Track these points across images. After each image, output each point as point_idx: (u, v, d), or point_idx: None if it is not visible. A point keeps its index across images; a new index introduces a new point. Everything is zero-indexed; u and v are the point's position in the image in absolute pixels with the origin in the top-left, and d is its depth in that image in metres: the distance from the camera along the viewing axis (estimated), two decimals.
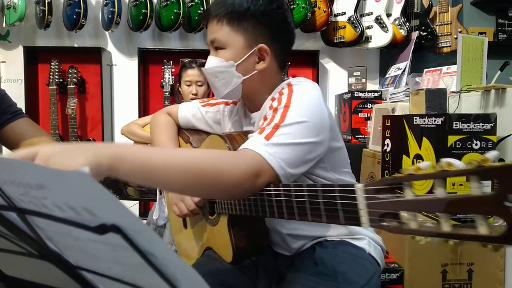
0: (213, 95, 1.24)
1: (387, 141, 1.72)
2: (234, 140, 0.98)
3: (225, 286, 0.99)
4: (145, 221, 2.11)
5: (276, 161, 0.82)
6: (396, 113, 2.02)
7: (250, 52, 0.97)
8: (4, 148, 1.21)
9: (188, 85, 2.38)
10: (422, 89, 1.73)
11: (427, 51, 3.01)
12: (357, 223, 0.64)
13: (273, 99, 0.95)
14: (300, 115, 0.87)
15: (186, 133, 1.22)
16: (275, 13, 0.97)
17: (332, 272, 0.95)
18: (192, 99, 2.36)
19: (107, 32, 3.08)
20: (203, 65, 2.82)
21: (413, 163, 1.57)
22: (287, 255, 1.07)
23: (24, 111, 1.24)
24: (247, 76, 0.98)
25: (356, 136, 2.44)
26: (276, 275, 1.06)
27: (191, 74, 2.39)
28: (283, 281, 1.02)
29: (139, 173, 0.72)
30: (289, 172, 0.84)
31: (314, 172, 0.96)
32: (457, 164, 0.51)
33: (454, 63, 2.08)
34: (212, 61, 0.99)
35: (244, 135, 1.00)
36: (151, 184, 0.84)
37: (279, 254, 1.09)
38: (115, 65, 3.14)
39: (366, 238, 1.06)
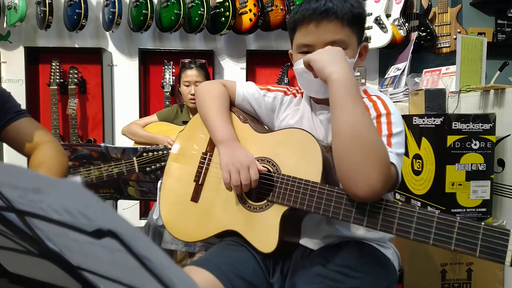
0: None
1: None
2: (320, 140, 1.03)
3: (241, 279, 0.98)
4: (145, 221, 2.11)
5: (399, 169, 0.88)
6: None
7: (358, 51, 1.05)
8: (7, 147, 1.21)
9: (187, 86, 2.39)
10: (422, 89, 1.73)
11: (427, 52, 3.01)
12: (497, 260, 0.73)
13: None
14: (400, 123, 0.95)
15: (242, 113, 1.18)
16: (366, 17, 1.07)
17: (355, 270, 0.95)
18: (191, 99, 2.36)
19: (107, 33, 3.09)
20: (202, 65, 2.81)
21: (412, 163, 1.58)
22: (310, 248, 1.06)
23: None
24: (354, 72, 1.05)
25: None
26: (292, 267, 1.05)
27: (189, 74, 2.39)
28: (301, 272, 1.01)
29: (337, 98, 0.89)
30: (399, 178, 0.90)
31: None
32: None
33: (453, 64, 2.08)
34: None
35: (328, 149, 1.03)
36: (334, 110, 0.91)
37: (301, 246, 1.07)
38: (116, 65, 3.15)
39: (392, 249, 1.08)
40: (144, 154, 1.68)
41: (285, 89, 1.19)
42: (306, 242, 1.07)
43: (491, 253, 0.74)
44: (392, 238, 1.10)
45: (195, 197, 1.15)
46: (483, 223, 0.76)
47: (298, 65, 1.02)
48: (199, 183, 1.15)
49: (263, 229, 1.01)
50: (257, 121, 1.21)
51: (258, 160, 1.06)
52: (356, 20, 1.00)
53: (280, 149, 1.05)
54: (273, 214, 1.00)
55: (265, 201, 1.02)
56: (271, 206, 1.01)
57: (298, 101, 1.16)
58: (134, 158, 1.68)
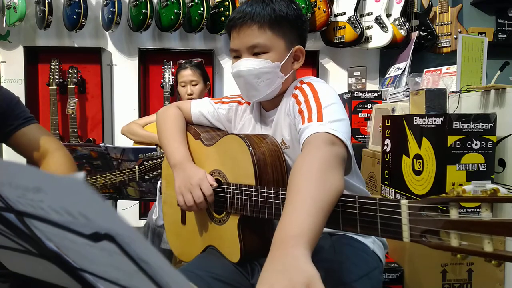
0: (212, 95, 1.25)
1: (387, 141, 1.72)
2: (253, 141, 1.01)
3: (219, 281, 0.99)
4: (145, 221, 2.11)
5: (341, 133, 0.86)
6: (396, 113, 2.01)
7: (289, 54, 1.04)
8: (13, 153, 1.20)
9: (183, 86, 2.38)
10: (422, 89, 1.73)
11: (427, 51, 3.01)
12: (397, 236, 0.66)
13: (294, 96, 1.01)
14: (330, 98, 0.95)
15: (196, 129, 1.22)
16: (303, 17, 1.06)
17: (331, 261, 0.96)
18: (189, 99, 2.35)
19: (107, 32, 3.09)
20: (198, 64, 2.80)
21: (413, 163, 1.57)
22: None
23: None
24: (287, 76, 1.05)
25: (356, 136, 2.44)
26: None
27: (184, 75, 2.38)
28: None
29: None
30: (349, 145, 0.87)
31: None
32: (504, 190, 0.56)
33: (454, 63, 2.08)
34: (255, 63, 1.01)
35: (263, 138, 1.04)
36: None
37: None
38: (115, 65, 3.14)
39: (372, 237, 1.08)
40: (145, 162, 1.70)
41: (239, 99, 1.22)
42: None
43: (390, 230, 0.67)
44: None
45: (183, 220, 1.21)
46: (378, 197, 0.70)
47: (232, 69, 1.06)
48: None
49: (228, 240, 1.03)
50: (214, 130, 1.24)
51: (211, 174, 1.08)
52: (278, 23, 1.00)
53: (224, 158, 1.07)
54: (232, 225, 1.02)
55: (224, 213, 1.05)
56: (229, 217, 1.03)
57: (251, 109, 1.19)
58: (136, 167, 1.71)
